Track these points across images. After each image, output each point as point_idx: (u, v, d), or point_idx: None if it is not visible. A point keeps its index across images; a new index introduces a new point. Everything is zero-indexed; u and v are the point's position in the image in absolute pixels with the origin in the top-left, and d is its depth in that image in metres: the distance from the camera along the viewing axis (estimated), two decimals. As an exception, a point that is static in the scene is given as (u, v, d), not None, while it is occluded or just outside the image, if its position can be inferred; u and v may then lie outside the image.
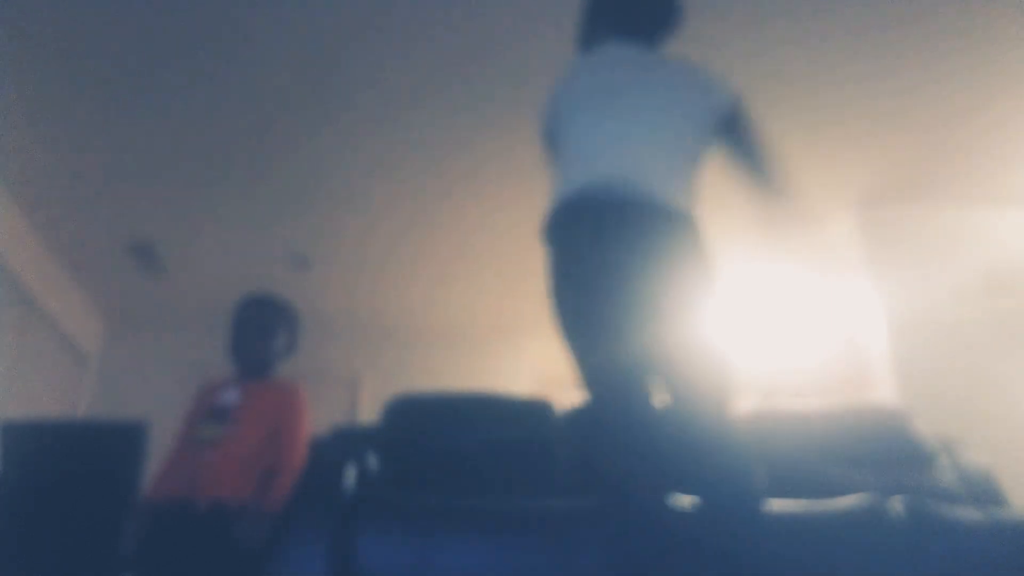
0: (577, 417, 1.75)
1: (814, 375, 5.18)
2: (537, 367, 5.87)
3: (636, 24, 1.94)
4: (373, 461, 2.46)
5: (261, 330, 2.48)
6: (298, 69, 3.40)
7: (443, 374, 5.74)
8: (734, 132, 1.82)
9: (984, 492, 2.59)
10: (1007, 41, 3.23)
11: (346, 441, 2.82)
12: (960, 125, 3.71)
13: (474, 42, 3.27)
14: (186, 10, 3.09)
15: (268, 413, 2.36)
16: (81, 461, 2.71)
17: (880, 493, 2.33)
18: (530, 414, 2.86)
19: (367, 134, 3.80)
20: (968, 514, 2.21)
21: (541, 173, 4.08)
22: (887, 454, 2.52)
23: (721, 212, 4.28)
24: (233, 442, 2.28)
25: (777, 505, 2.27)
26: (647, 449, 1.50)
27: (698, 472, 1.50)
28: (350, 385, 5.76)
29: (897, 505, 1.98)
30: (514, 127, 3.74)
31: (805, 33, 3.19)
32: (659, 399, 1.61)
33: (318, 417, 5.49)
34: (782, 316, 5.35)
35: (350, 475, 2.18)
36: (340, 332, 5.78)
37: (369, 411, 5.60)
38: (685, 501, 1.58)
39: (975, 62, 3.34)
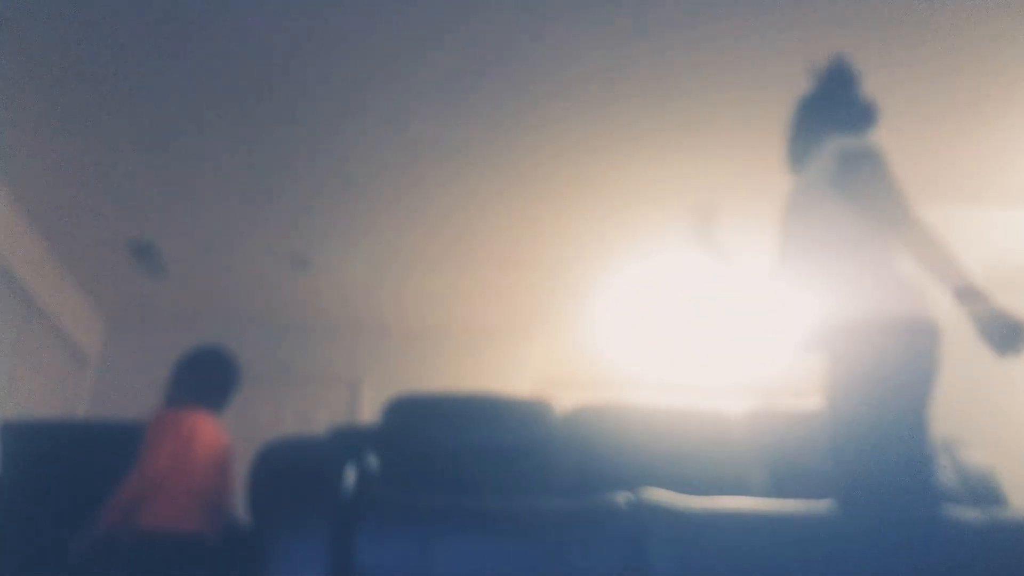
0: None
1: (814, 375, 5.17)
2: (537, 367, 5.86)
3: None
4: (373, 461, 2.47)
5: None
6: (299, 69, 3.40)
7: (443, 374, 5.73)
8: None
9: (984, 492, 2.59)
10: (1007, 40, 3.23)
11: (346, 441, 2.83)
12: (960, 125, 3.71)
13: (474, 43, 3.26)
14: (186, 10, 3.09)
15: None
16: (81, 461, 2.71)
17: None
18: (530, 414, 2.86)
19: (367, 134, 3.80)
20: (968, 514, 2.22)
21: (540, 174, 4.07)
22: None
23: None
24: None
25: (777, 505, 2.27)
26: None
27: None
28: (351, 385, 5.75)
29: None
30: (514, 128, 3.74)
31: (804, 34, 3.19)
32: None
33: (318, 417, 5.50)
34: (782, 316, 5.35)
35: (350, 475, 2.18)
36: (340, 332, 5.78)
37: (369, 411, 5.60)
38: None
39: (975, 61, 3.33)
